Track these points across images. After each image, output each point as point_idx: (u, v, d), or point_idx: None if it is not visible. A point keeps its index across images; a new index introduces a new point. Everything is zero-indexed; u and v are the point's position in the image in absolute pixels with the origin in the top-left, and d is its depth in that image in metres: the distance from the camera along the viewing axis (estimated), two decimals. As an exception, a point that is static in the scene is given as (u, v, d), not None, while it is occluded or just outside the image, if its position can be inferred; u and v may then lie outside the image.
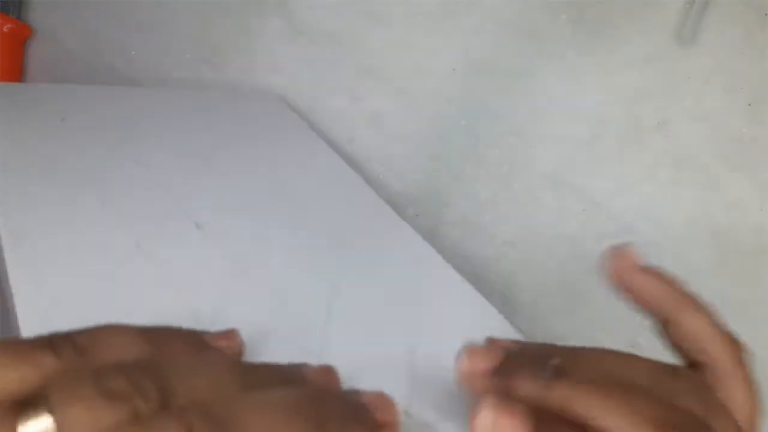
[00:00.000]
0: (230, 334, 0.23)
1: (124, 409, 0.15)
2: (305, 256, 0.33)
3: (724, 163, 0.42)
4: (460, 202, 0.49)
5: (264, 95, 0.52)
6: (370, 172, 0.50)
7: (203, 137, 0.41)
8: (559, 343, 0.29)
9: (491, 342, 0.24)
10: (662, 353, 0.24)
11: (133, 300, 0.26)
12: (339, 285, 0.31)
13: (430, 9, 0.48)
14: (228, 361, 0.19)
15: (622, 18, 0.43)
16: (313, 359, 0.25)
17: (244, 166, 0.40)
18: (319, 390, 0.20)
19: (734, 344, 0.23)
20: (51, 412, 0.15)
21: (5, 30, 0.55)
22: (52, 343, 0.17)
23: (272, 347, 0.25)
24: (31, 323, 0.23)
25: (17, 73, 0.58)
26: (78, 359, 0.17)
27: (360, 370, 0.25)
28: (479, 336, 0.29)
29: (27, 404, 0.15)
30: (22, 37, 0.57)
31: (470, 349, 0.23)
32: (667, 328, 0.24)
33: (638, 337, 0.41)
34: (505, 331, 0.30)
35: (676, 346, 0.24)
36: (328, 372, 0.22)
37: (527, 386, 0.19)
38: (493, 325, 0.31)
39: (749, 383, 0.22)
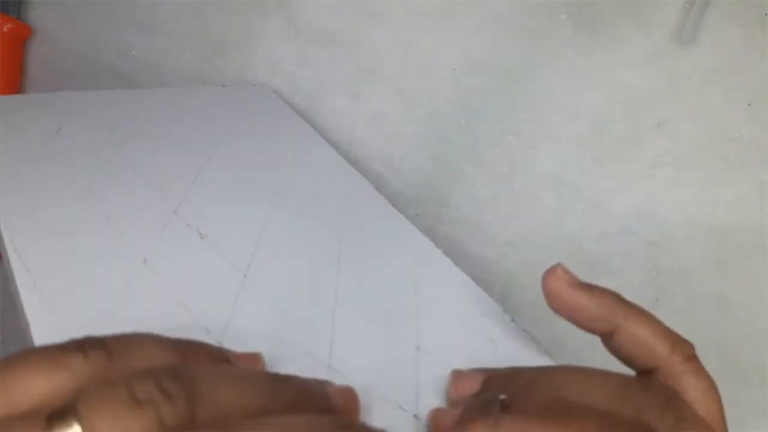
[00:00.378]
0: (255, 357, 0.23)
1: (151, 415, 0.15)
2: (308, 257, 0.32)
3: (724, 163, 0.42)
4: (460, 202, 0.49)
5: (255, 89, 0.52)
6: (370, 172, 0.50)
7: (199, 139, 0.41)
8: (558, 347, 0.29)
9: (457, 375, 0.25)
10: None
11: (144, 317, 0.26)
12: (343, 286, 0.31)
13: (430, 9, 0.48)
14: (254, 373, 0.19)
15: (622, 18, 0.43)
16: (321, 364, 0.26)
17: (243, 167, 0.40)
18: (344, 421, 0.20)
19: (681, 343, 0.23)
20: (80, 422, 0.15)
21: (5, 30, 0.55)
22: (83, 347, 0.17)
23: (280, 352, 0.25)
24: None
25: (17, 73, 0.58)
26: (108, 364, 0.17)
27: (367, 373, 0.25)
28: (483, 333, 0.29)
29: (56, 414, 0.15)
30: (22, 37, 0.57)
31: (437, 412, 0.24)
32: (612, 340, 0.24)
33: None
34: (507, 327, 0.30)
35: (624, 355, 0.24)
36: (348, 394, 0.22)
37: (479, 429, 0.19)
38: (496, 322, 0.31)
39: (704, 377, 0.22)
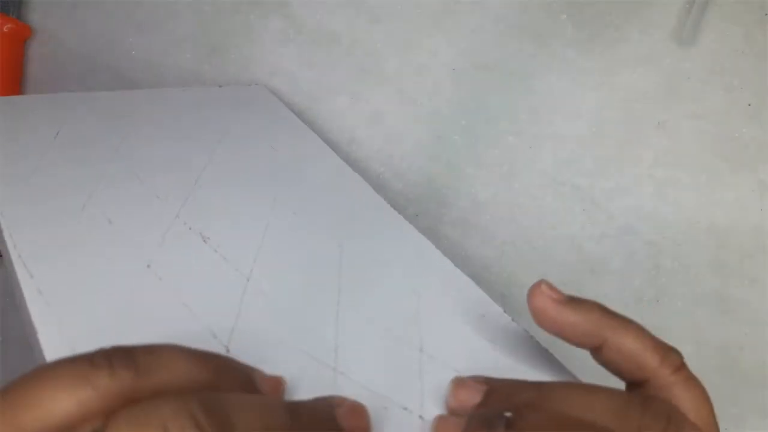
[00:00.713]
0: (278, 381, 0.23)
1: None
2: (309, 262, 0.32)
3: (724, 163, 0.42)
4: (460, 202, 0.49)
5: (252, 89, 0.52)
6: (370, 172, 0.50)
7: (197, 141, 0.41)
8: (558, 347, 0.29)
9: (458, 383, 0.25)
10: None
11: (150, 321, 0.26)
12: (344, 289, 0.31)
13: (430, 9, 0.48)
14: (278, 402, 0.19)
15: (622, 18, 0.43)
16: (326, 367, 0.26)
17: (242, 169, 0.39)
18: None
19: (669, 354, 0.23)
20: None
21: (5, 30, 0.55)
22: (110, 362, 0.17)
23: (286, 356, 0.26)
24: (55, 352, 0.22)
25: (17, 73, 0.58)
26: (135, 381, 0.17)
27: (372, 375, 0.25)
28: (484, 334, 0.29)
29: None
30: (22, 37, 0.57)
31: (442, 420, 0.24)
32: (600, 352, 0.24)
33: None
34: (508, 328, 0.30)
35: (613, 368, 0.24)
36: (357, 415, 0.22)
37: None
38: (497, 323, 0.31)
39: (693, 386, 0.22)
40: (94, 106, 0.42)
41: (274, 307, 0.29)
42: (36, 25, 0.58)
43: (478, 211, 0.48)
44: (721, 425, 0.23)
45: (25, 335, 0.25)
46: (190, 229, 0.32)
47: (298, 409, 0.19)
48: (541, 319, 0.24)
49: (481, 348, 0.29)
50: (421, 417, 0.24)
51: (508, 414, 0.20)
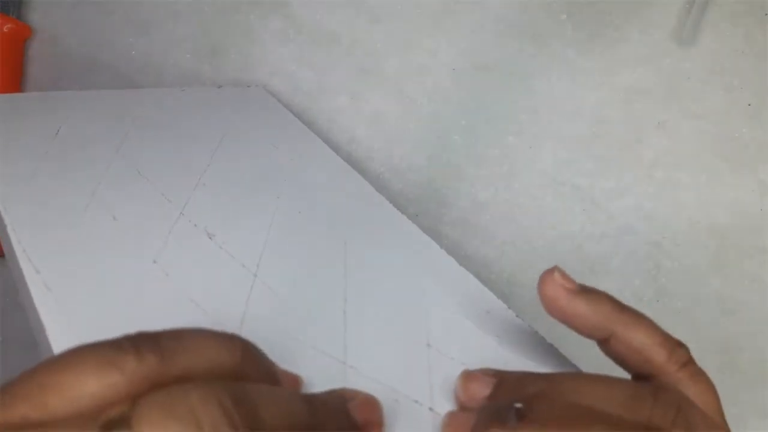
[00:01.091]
0: (297, 379, 0.23)
1: None
2: (314, 258, 0.33)
3: (724, 163, 0.42)
4: (460, 202, 0.49)
5: (250, 90, 0.52)
6: (370, 172, 0.50)
7: (198, 141, 0.41)
8: (560, 343, 0.29)
9: (467, 376, 0.25)
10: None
11: (159, 317, 0.26)
12: (351, 285, 0.31)
13: (430, 9, 0.48)
14: (297, 395, 0.19)
15: (622, 18, 0.43)
16: (336, 362, 0.26)
17: (244, 167, 0.40)
18: None
19: (676, 349, 0.23)
20: None
21: (5, 30, 0.55)
22: (137, 346, 0.17)
23: (296, 351, 0.26)
24: (63, 348, 0.23)
25: (17, 73, 0.58)
26: (161, 365, 0.17)
27: (382, 370, 0.26)
28: (489, 330, 0.30)
29: (110, 424, 0.15)
30: (22, 37, 0.57)
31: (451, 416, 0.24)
32: (608, 345, 0.24)
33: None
34: (513, 323, 0.30)
35: (620, 361, 0.24)
36: (369, 408, 0.22)
37: None
38: (501, 318, 0.31)
39: (700, 380, 0.22)
40: (94, 104, 0.42)
41: (282, 302, 0.29)
42: (36, 25, 0.58)
43: (478, 211, 0.48)
44: (722, 425, 0.23)
45: (28, 333, 0.25)
46: (195, 226, 0.32)
47: (314, 401, 0.19)
48: (551, 307, 0.24)
49: (486, 343, 0.29)
50: (431, 409, 0.24)
51: (518, 405, 0.20)
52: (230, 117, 0.46)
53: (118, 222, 0.30)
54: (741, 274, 0.43)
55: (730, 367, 0.43)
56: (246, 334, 0.26)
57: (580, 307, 0.24)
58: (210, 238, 0.31)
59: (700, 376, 0.23)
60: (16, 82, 0.58)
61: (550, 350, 0.29)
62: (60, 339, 0.23)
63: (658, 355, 0.23)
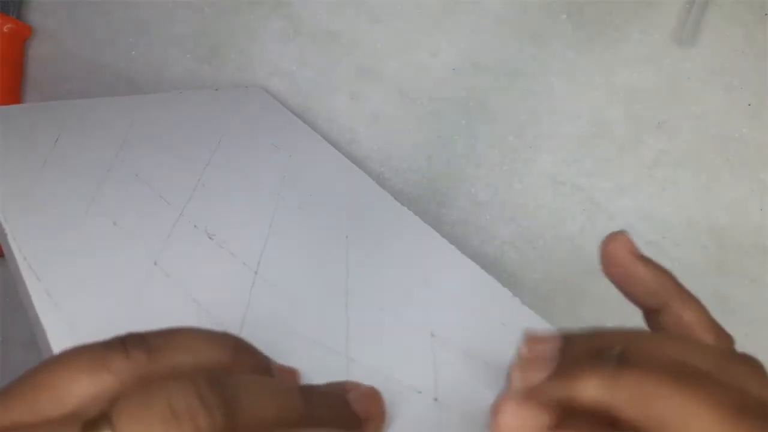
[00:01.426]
0: (294, 372, 0.23)
1: (188, 429, 0.15)
2: (316, 252, 0.33)
3: (724, 163, 0.42)
4: (460, 202, 0.49)
5: (249, 91, 0.52)
6: (370, 172, 0.50)
7: (197, 143, 0.41)
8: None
9: (531, 335, 0.22)
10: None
11: (161, 318, 0.26)
12: (352, 278, 0.31)
13: (430, 9, 0.48)
14: (291, 387, 0.19)
15: (622, 18, 0.43)
16: (338, 355, 0.26)
17: (243, 167, 0.40)
18: None
19: (724, 336, 0.23)
20: None
21: (5, 30, 0.55)
22: (125, 344, 0.17)
23: (297, 345, 0.26)
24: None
25: (17, 73, 0.58)
26: (148, 363, 0.17)
27: (385, 361, 0.26)
28: (494, 317, 0.30)
29: (90, 423, 0.15)
30: (22, 37, 0.57)
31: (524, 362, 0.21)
32: (658, 316, 0.23)
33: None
34: (518, 310, 0.31)
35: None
36: (370, 399, 0.22)
37: (593, 381, 0.17)
38: (506, 306, 0.31)
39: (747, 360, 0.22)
40: (92, 112, 0.42)
41: (284, 298, 0.29)
42: (36, 25, 0.58)
43: (478, 211, 0.48)
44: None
45: (28, 333, 0.25)
46: (195, 227, 0.32)
47: (311, 393, 0.19)
48: (609, 264, 0.24)
49: (491, 331, 0.29)
50: (435, 399, 0.25)
51: (619, 349, 0.19)
52: (229, 118, 0.46)
53: (118, 226, 0.31)
54: (741, 274, 0.42)
55: (730, 367, 0.43)
56: (248, 330, 0.26)
57: (641, 270, 0.23)
58: (210, 238, 0.32)
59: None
60: (16, 82, 0.58)
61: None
62: (61, 344, 0.23)
63: (705, 337, 0.22)
